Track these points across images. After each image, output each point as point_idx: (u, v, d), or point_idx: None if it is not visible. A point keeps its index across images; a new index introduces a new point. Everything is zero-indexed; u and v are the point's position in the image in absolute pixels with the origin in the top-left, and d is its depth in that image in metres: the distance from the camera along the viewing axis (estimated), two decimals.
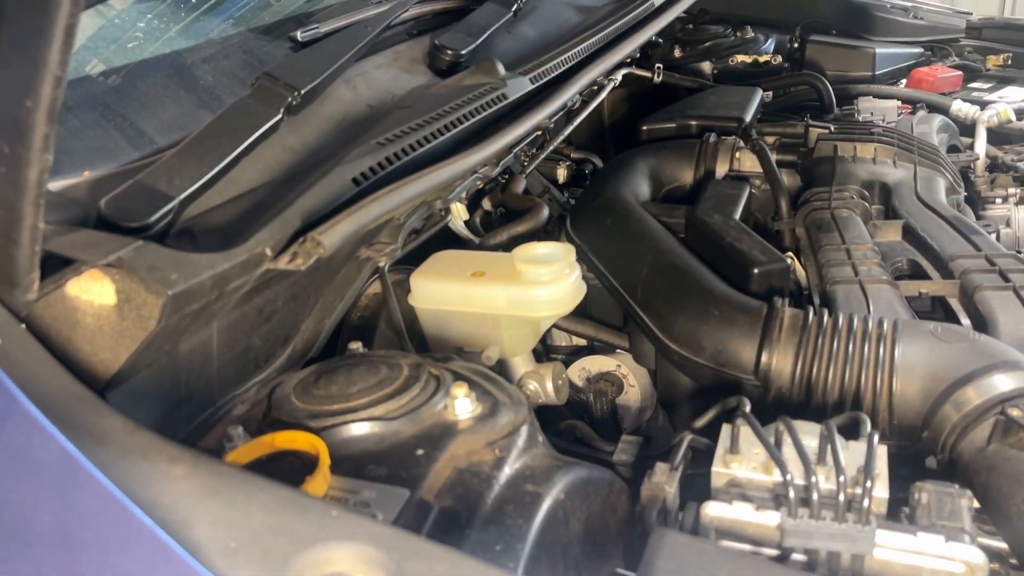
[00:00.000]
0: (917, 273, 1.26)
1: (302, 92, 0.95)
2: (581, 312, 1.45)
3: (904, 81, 2.33)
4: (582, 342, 1.51)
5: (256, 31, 1.30)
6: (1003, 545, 0.86)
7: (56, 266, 0.68)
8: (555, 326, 1.43)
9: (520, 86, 1.19)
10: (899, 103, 2.07)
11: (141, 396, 0.75)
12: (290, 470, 0.71)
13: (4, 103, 0.56)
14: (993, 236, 1.61)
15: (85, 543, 0.49)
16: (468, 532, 0.66)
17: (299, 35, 1.20)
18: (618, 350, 1.41)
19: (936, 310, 1.24)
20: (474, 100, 1.10)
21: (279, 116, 0.92)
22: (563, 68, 1.33)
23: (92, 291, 0.68)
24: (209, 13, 1.36)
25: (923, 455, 0.99)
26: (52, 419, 0.53)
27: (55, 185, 0.81)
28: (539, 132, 1.55)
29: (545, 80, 1.26)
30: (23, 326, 0.62)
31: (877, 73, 2.34)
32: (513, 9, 1.44)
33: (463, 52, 1.28)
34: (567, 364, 1.40)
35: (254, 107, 0.92)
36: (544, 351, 1.41)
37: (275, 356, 0.96)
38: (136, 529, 0.47)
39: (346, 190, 0.87)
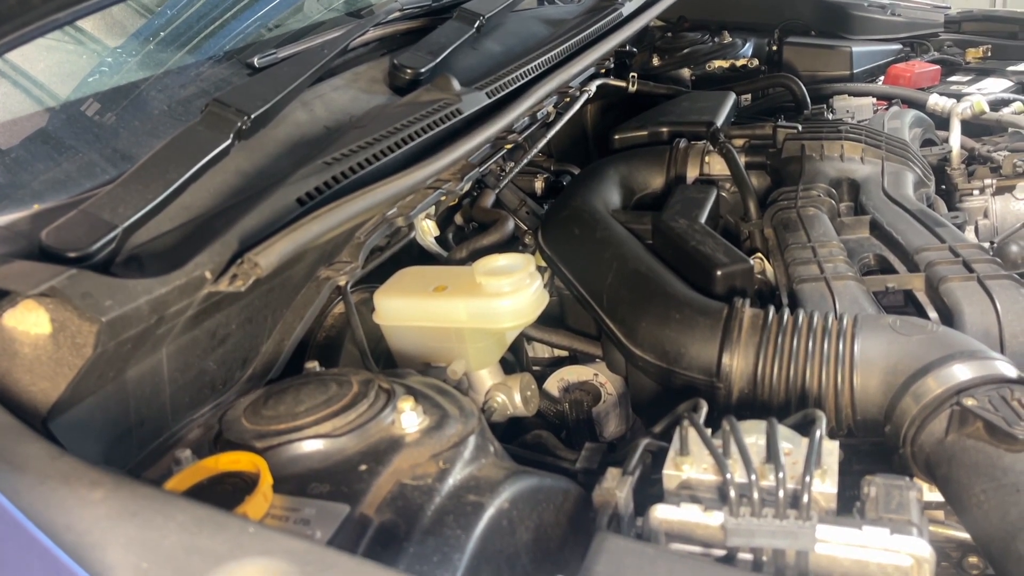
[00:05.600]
0: (884, 268, 1.25)
1: (252, 117, 0.95)
2: (557, 322, 1.46)
3: (882, 78, 2.32)
4: (564, 353, 1.52)
5: (219, 61, 1.31)
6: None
7: None
8: (530, 337, 1.43)
9: (476, 101, 1.20)
10: (874, 100, 2.06)
11: (87, 424, 0.75)
12: (232, 491, 0.71)
13: None
14: (971, 228, 1.61)
15: None
16: (407, 545, 0.66)
17: (256, 61, 1.21)
18: (597, 359, 1.41)
19: (908, 305, 1.23)
20: (428, 116, 1.11)
21: (228, 141, 0.92)
22: (523, 81, 1.34)
23: (28, 321, 0.69)
24: (173, 45, 1.38)
25: (890, 450, 0.98)
26: None
27: (2, 219, 0.82)
28: (510, 145, 1.56)
29: (503, 94, 1.27)
30: None
31: (855, 71, 2.35)
32: (475, 26, 1.45)
33: (422, 70, 1.28)
34: (546, 375, 1.40)
35: (203, 133, 0.92)
36: (518, 363, 1.41)
37: (233, 379, 0.97)
38: (40, 554, 0.47)
39: (290, 210, 0.88)
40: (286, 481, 0.73)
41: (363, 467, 0.74)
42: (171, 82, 1.21)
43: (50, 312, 0.68)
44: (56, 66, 1.23)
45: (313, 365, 0.95)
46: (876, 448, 1.01)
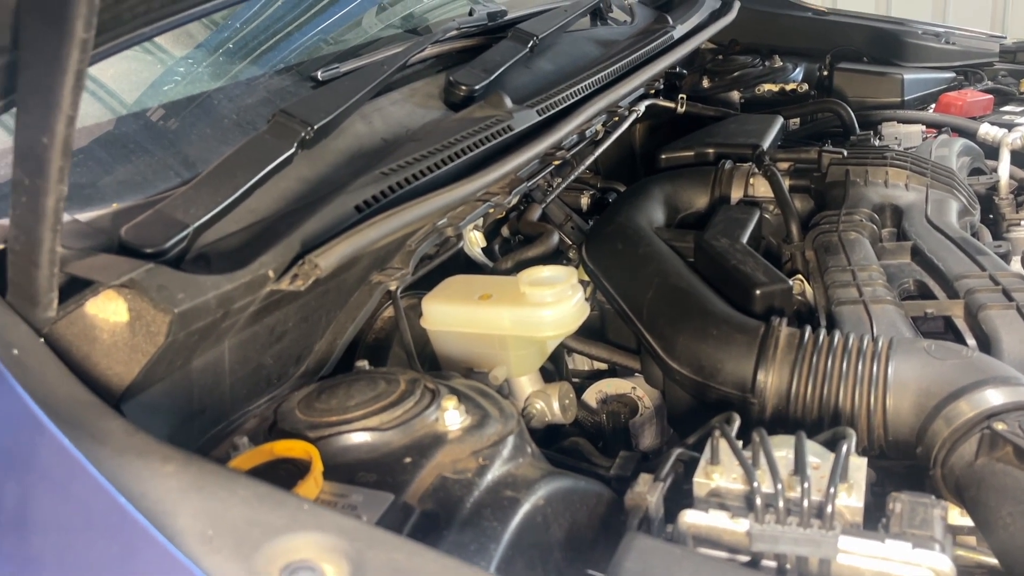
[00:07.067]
0: (924, 294, 1.27)
1: (315, 127, 1.01)
2: (598, 336, 1.49)
3: (933, 106, 2.32)
4: (603, 367, 1.55)
5: (284, 72, 1.38)
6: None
7: (80, 288, 0.76)
8: (571, 349, 1.47)
9: (527, 118, 1.25)
10: (924, 128, 2.07)
11: (155, 408, 0.81)
12: (286, 475, 0.76)
13: (24, 141, 0.63)
14: (1017, 258, 1.61)
15: (77, 530, 0.54)
16: (446, 533, 0.70)
17: (319, 75, 1.27)
18: (636, 373, 1.44)
19: (947, 332, 1.24)
20: (480, 131, 1.16)
21: (292, 150, 0.98)
22: (573, 100, 1.38)
23: (108, 310, 0.75)
24: (239, 56, 1.45)
25: (922, 472, 1.00)
26: (54, 420, 0.59)
27: (85, 216, 0.89)
28: (558, 161, 1.60)
29: (553, 112, 1.31)
30: (41, 340, 0.68)
31: (907, 98, 2.34)
32: (529, 45, 1.50)
33: (477, 87, 1.33)
34: (585, 387, 1.43)
35: (269, 141, 0.98)
36: (558, 373, 1.45)
37: (288, 375, 1.02)
38: (121, 517, 0.52)
39: (349, 216, 0.93)
40: (335, 469, 0.77)
41: (407, 460, 0.78)
42: (238, 92, 1.28)
43: (128, 302, 0.74)
44: (128, 74, 1.31)
45: (363, 363, 1.00)
46: (910, 471, 1.03)
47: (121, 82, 1.28)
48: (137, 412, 0.78)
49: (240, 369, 0.93)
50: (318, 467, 0.74)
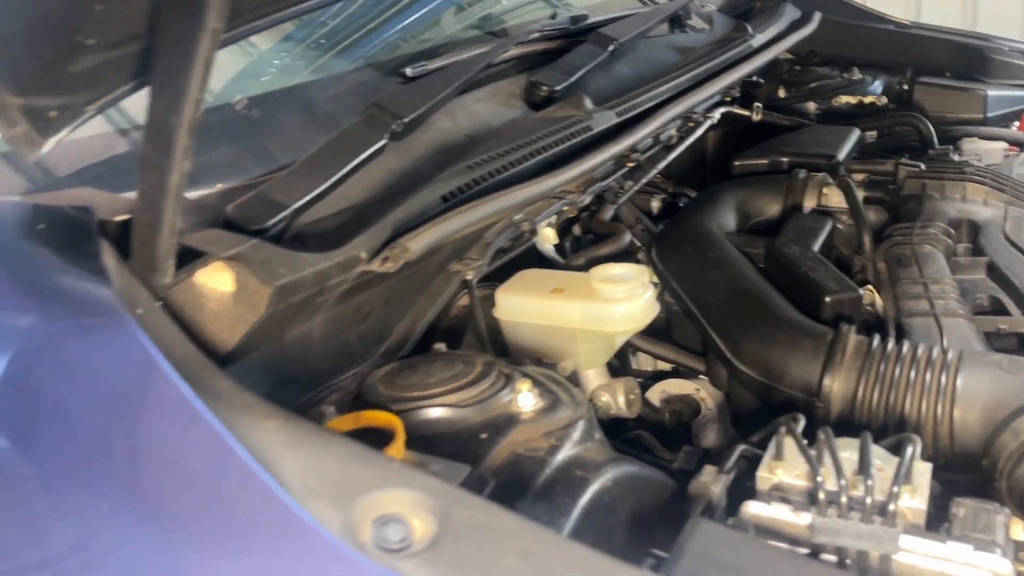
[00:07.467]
0: (998, 310, 1.26)
1: (405, 121, 1.07)
2: (664, 337, 1.52)
3: (1017, 124, 2.28)
4: (666, 367, 1.57)
5: (373, 68, 1.45)
6: None
7: (191, 259, 0.82)
8: (637, 347, 1.50)
9: (605, 119, 1.28)
10: (1006, 145, 2.03)
11: (252, 373, 0.87)
12: (370, 444, 0.81)
13: (156, 120, 0.70)
14: None
15: (193, 471, 0.60)
16: (519, 505, 0.75)
17: (409, 71, 1.33)
18: (700, 376, 1.46)
19: (1021, 349, 1.23)
20: (560, 131, 1.20)
21: (384, 141, 1.03)
22: (650, 104, 1.41)
23: (216, 280, 0.81)
24: (334, 52, 1.53)
25: (985, 488, 1.00)
26: (178, 372, 0.65)
27: (194, 194, 0.96)
28: (632, 164, 1.63)
29: (631, 114, 1.35)
30: (159, 304, 0.75)
31: (989, 115, 2.30)
32: (609, 49, 1.53)
33: (557, 88, 1.38)
34: (648, 387, 1.46)
35: (362, 132, 1.04)
36: (621, 370, 1.47)
37: (370, 353, 1.08)
38: (233, 460, 0.58)
39: (435, 206, 0.98)
40: (415, 441, 0.82)
41: (483, 435, 0.83)
42: (331, 85, 1.35)
43: (234, 274, 0.80)
44: (222, 64, 1.38)
45: (441, 346, 1.05)
46: (975, 485, 1.03)
47: (220, 72, 1.35)
48: (236, 376, 0.83)
49: (327, 344, 0.98)
50: (401, 436, 0.79)
